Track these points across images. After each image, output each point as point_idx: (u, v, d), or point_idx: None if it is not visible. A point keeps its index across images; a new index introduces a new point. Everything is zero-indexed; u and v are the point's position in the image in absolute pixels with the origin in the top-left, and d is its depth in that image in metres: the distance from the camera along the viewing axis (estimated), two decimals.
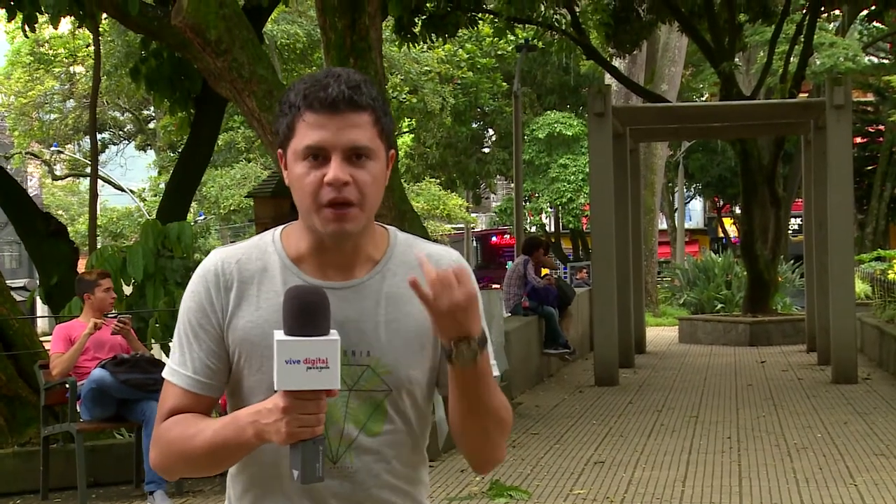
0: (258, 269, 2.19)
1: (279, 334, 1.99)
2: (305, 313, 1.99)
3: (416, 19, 18.94)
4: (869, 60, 35.29)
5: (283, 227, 2.26)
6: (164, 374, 2.22)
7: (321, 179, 2.09)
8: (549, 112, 38.07)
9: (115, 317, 8.61)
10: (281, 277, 2.16)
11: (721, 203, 46.14)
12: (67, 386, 8.36)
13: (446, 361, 2.09)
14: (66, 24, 23.30)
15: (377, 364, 2.15)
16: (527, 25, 22.52)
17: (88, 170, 26.16)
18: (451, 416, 2.18)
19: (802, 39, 20.70)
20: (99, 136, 36.20)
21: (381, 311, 2.17)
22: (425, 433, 2.28)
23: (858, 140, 33.65)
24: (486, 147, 42.39)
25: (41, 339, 10.78)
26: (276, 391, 2.00)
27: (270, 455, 2.15)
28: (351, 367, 2.13)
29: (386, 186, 2.21)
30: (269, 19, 21.75)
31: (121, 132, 46.51)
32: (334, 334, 2.00)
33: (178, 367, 2.20)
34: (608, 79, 25.68)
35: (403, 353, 2.17)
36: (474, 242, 54.47)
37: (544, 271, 16.02)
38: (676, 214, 43.11)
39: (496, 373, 2.19)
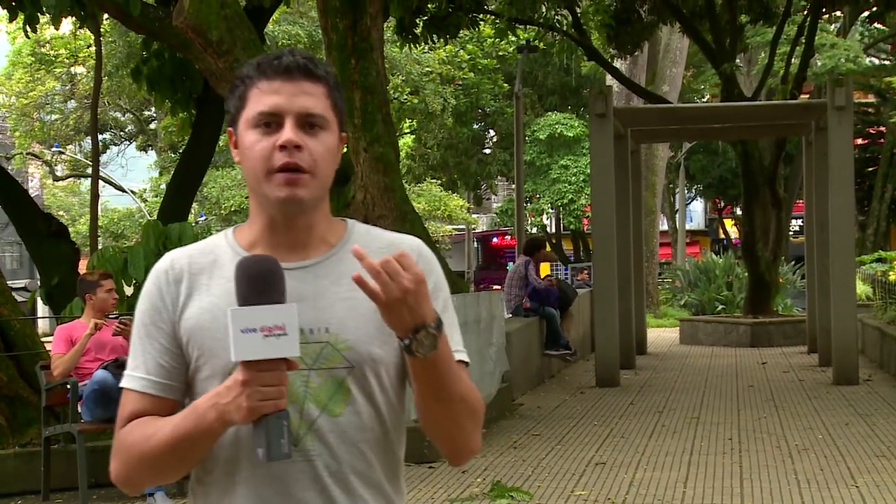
0: (209, 262, 2.15)
1: (232, 306, 1.93)
2: (259, 280, 1.93)
3: (417, 20, 18.97)
4: (870, 62, 35.28)
5: (235, 226, 2.23)
6: (122, 382, 2.16)
7: (273, 144, 2.05)
8: (550, 113, 38.08)
9: (116, 318, 8.61)
10: (231, 266, 2.05)
11: (722, 204, 46.15)
12: (68, 387, 8.36)
13: (405, 353, 2.00)
14: (68, 24, 23.34)
15: (336, 340, 2.07)
16: (528, 26, 22.55)
17: (89, 170, 26.17)
18: (418, 408, 2.08)
19: (804, 40, 20.70)
20: (100, 137, 36.24)
21: (338, 290, 2.10)
22: (398, 429, 2.17)
23: (860, 141, 33.66)
24: (487, 148, 42.40)
25: (42, 339, 10.78)
26: (233, 369, 1.95)
27: (228, 450, 2.07)
28: (309, 344, 2.05)
29: (388, 187, 2.20)
30: (271, 20, 21.76)
31: (122, 133, 46.50)
32: (290, 302, 1.94)
33: (132, 371, 2.14)
34: (609, 80, 25.68)
35: (364, 328, 2.08)
36: (475, 243, 54.46)
37: (545, 272, 16.00)
38: (677, 215, 43.10)
39: (463, 357, 2.12)
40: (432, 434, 2.13)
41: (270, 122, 2.07)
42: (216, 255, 2.16)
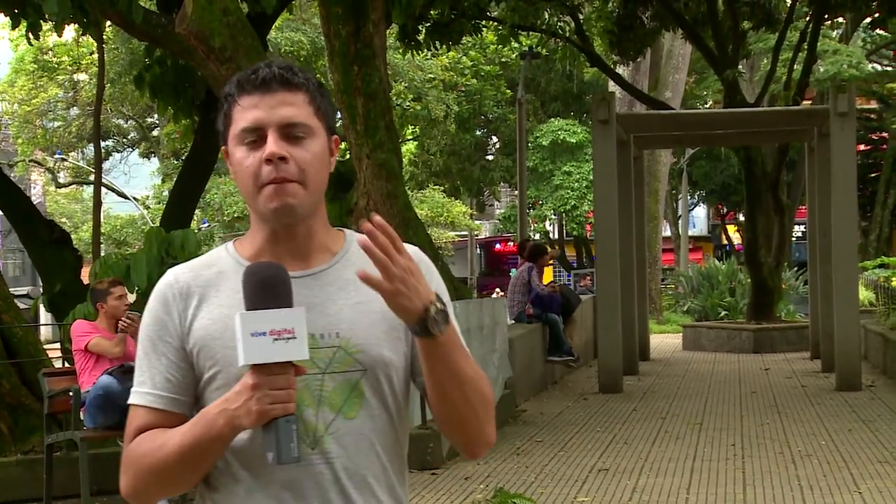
0: (213, 275, 2.17)
1: (241, 311, 1.95)
2: (266, 286, 1.96)
3: (420, 27, 18.99)
4: (872, 68, 35.23)
5: (234, 239, 2.25)
6: (130, 398, 2.16)
7: (260, 159, 2.07)
8: (552, 119, 38.09)
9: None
10: (237, 276, 2.07)
11: (725, 210, 46.14)
12: (71, 394, 8.36)
13: (417, 341, 2.03)
14: (70, 31, 23.35)
15: (348, 344, 2.10)
16: (531, 33, 22.58)
17: (92, 177, 26.18)
18: (431, 398, 2.10)
19: (806, 47, 20.70)
20: (103, 144, 36.24)
21: (345, 295, 2.14)
22: (405, 432, 2.22)
23: (862, 147, 33.62)
24: (490, 154, 42.41)
25: (45, 346, 10.78)
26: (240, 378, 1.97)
27: (243, 458, 2.08)
28: (321, 349, 2.08)
29: (391, 194, 2.22)
30: (274, 27, 21.78)
31: (124, 140, 46.53)
32: (298, 307, 1.97)
33: (139, 386, 2.14)
34: (612, 86, 25.71)
35: (373, 332, 2.12)
36: (478, 250, 54.42)
37: (548, 278, 15.98)
38: (680, 222, 43.09)
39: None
40: (447, 422, 2.13)
41: (255, 137, 2.09)
42: (220, 267, 2.18)
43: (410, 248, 2.18)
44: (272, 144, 2.07)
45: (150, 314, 2.17)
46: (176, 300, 2.15)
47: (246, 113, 2.10)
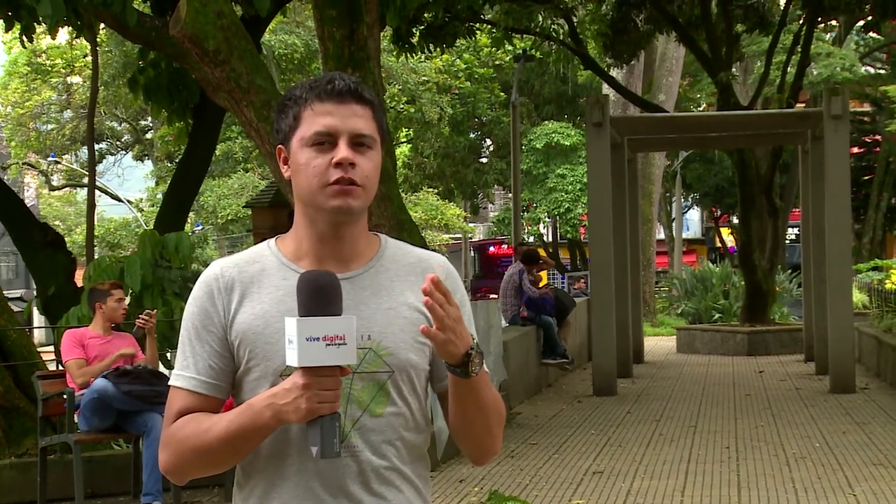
0: (257, 272, 2.31)
1: (294, 317, 2.09)
2: (322, 293, 2.10)
3: (414, 29, 18.99)
4: (866, 70, 35.35)
5: (276, 236, 2.39)
6: (171, 381, 2.31)
7: (329, 161, 2.24)
8: (546, 122, 38.09)
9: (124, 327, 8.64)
10: (279, 274, 2.28)
11: (719, 213, 46.19)
12: (65, 396, 8.34)
13: (450, 377, 2.22)
14: (64, 34, 23.32)
15: (378, 346, 2.26)
16: (524, 36, 22.57)
17: (86, 180, 26.16)
18: (455, 419, 2.29)
19: (799, 49, 20.73)
20: (96, 147, 36.21)
21: (377, 300, 2.30)
22: (426, 431, 2.36)
23: (855, 150, 33.69)
24: (484, 157, 42.41)
25: (38, 349, 10.75)
26: (285, 374, 2.15)
27: (275, 445, 2.23)
28: None
29: (385, 196, 2.28)
30: (268, 29, 21.77)
31: (118, 142, 46.48)
32: (349, 314, 2.12)
33: (182, 370, 2.29)
34: (606, 89, 25.72)
35: (402, 336, 2.28)
36: (472, 252, 54.45)
37: (542, 281, 15.96)
38: (674, 224, 43.13)
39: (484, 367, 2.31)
40: (464, 437, 2.34)
41: (325, 141, 2.26)
42: (262, 264, 2.33)
43: (439, 260, 2.41)
44: (344, 150, 2.24)
45: (195, 303, 2.32)
46: (221, 293, 2.30)
47: (319, 118, 2.26)
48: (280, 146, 2.33)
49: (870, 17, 21.50)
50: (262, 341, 2.24)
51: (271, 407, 2.12)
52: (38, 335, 23.93)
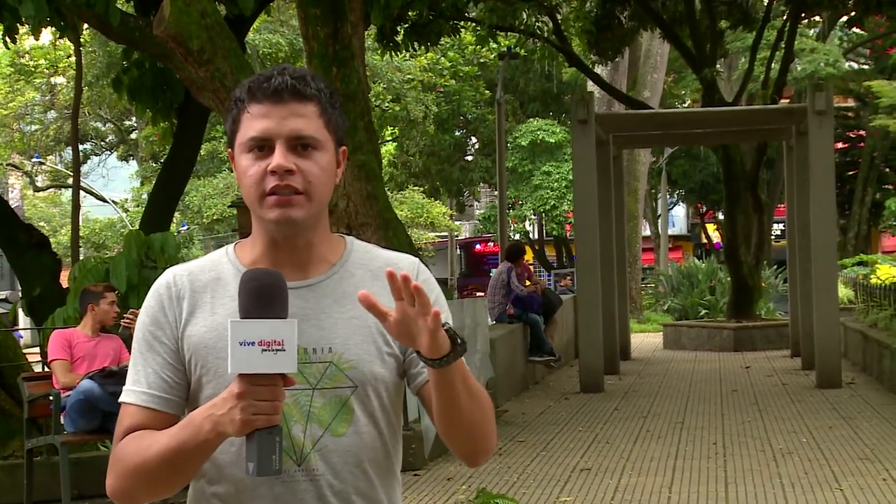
0: (211, 279, 2.16)
1: (234, 318, 1.93)
2: (261, 295, 1.93)
3: (398, 28, 18.97)
4: (849, 66, 35.42)
5: (235, 242, 2.23)
6: (121, 396, 2.14)
7: (265, 169, 2.06)
8: (531, 119, 38.10)
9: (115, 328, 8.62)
10: (235, 283, 2.06)
11: (704, 209, 46.27)
12: (51, 398, 8.32)
13: (430, 370, 2.02)
14: (47, 34, 23.24)
15: (339, 360, 2.09)
16: (509, 33, 22.59)
17: (70, 181, 26.08)
18: (439, 415, 2.08)
19: (783, 45, 20.78)
20: (81, 147, 36.12)
21: (340, 309, 2.12)
22: (397, 448, 2.21)
23: (840, 145, 33.78)
24: (470, 155, 42.40)
25: (24, 351, 10.72)
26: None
27: (230, 470, 2.08)
28: (313, 364, 2.07)
29: (370, 195, 2.22)
30: (252, 29, 21.73)
31: (103, 143, 46.36)
32: (291, 318, 1.94)
33: (132, 385, 2.13)
34: (591, 86, 25.74)
35: (365, 348, 2.11)
36: (458, 250, 54.44)
37: (529, 282, 15.96)
38: (660, 221, 43.19)
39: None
40: (455, 439, 2.13)
41: (262, 145, 2.07)
42: (218, 272, 2.17)
43: (411, 261, 2.22)
44: (279, 156, 2.05)
45: (146, 313, 2.16)
46: (172, 302, 2.14)
47: (255, 122, 2.08)
48: (229, 150, 2.16)
49: (853, 13, 21.54)
50: (213, 356, 2.08)
51: (210, 419, 1.94)
52: (24, 336, 23.85)
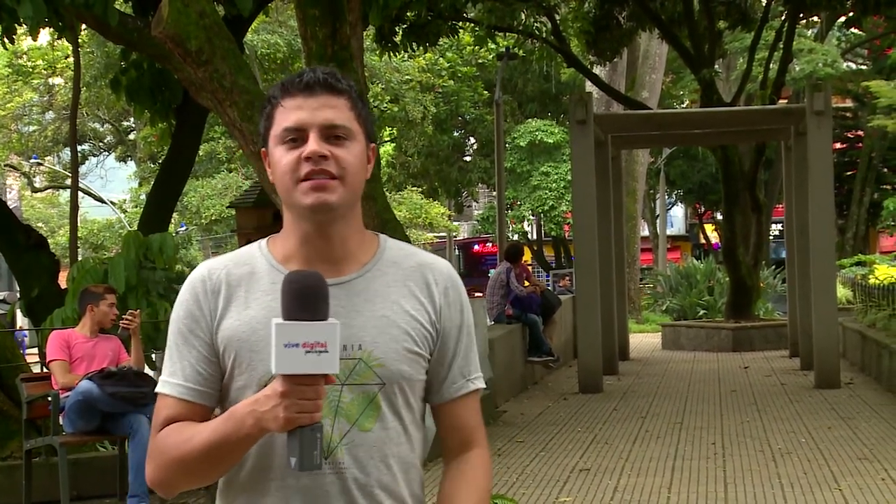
0: (245, 274, 2.20)
1: (277, 319, 1.96)
2: (305, 297, 1.97)
3: (396, 28, 18.97)
4: (848, 66, 35.47)
5: (268, 237, 2.27)
6: (158, 388, 2.20)
7: (299, 156, 2.12)
8: (530, 120, 38.12)
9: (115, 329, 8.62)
10: (268, 278, 2.16)
11: (702, 209, 46.28)
12: (50, 399, 8.31)
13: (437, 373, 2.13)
14: (45, 35, 23.24)
15: (369, 357, 2.14)
16: (507, 34, 22.61)
17: (68, 181, 26.08)
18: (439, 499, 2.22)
19: (782, 46, 20.79)
20: (79, 148, 36.07)
21: (371, 307, 2.17)
22: (420, 445, 2.26)
23: (838, 146, 33.82)
24: (468, 155, 42.41)
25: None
26: (270, 380, 2.00)
27: (258, 459, 2.14)
28: (343, 360, 2.09)
29: (369, 196, 2.22)
30: (250, 29, 21.72)
31: (101, 143, 46.34)
32: (333, 319, 1.98)
33: (169, 377, 2.19)
34: (589, 86, 25.75)
35: (395, 347, 2.16)
36: (456, 251, 54.46)
37: (528, 283, 15.97)
38: (658, 221, 43.20)
39: (479, 385, 2.26)
40: None
41: (296, 136, 2.14)
42: (252, 266, 2.21)
43: (443, 266, 2.27)
44: (313, 143, 2.12)
45: (182, 306, 2.21)
46: (207, 296, 2.19)
47: (289, 114, 2.15)
48: (263, 150, 2.23)
49: (851, 14, 21.56)
50: (246, 349, 2.13)
51: (253, 414, 1.99)
52: (28, 337, 23.82)
